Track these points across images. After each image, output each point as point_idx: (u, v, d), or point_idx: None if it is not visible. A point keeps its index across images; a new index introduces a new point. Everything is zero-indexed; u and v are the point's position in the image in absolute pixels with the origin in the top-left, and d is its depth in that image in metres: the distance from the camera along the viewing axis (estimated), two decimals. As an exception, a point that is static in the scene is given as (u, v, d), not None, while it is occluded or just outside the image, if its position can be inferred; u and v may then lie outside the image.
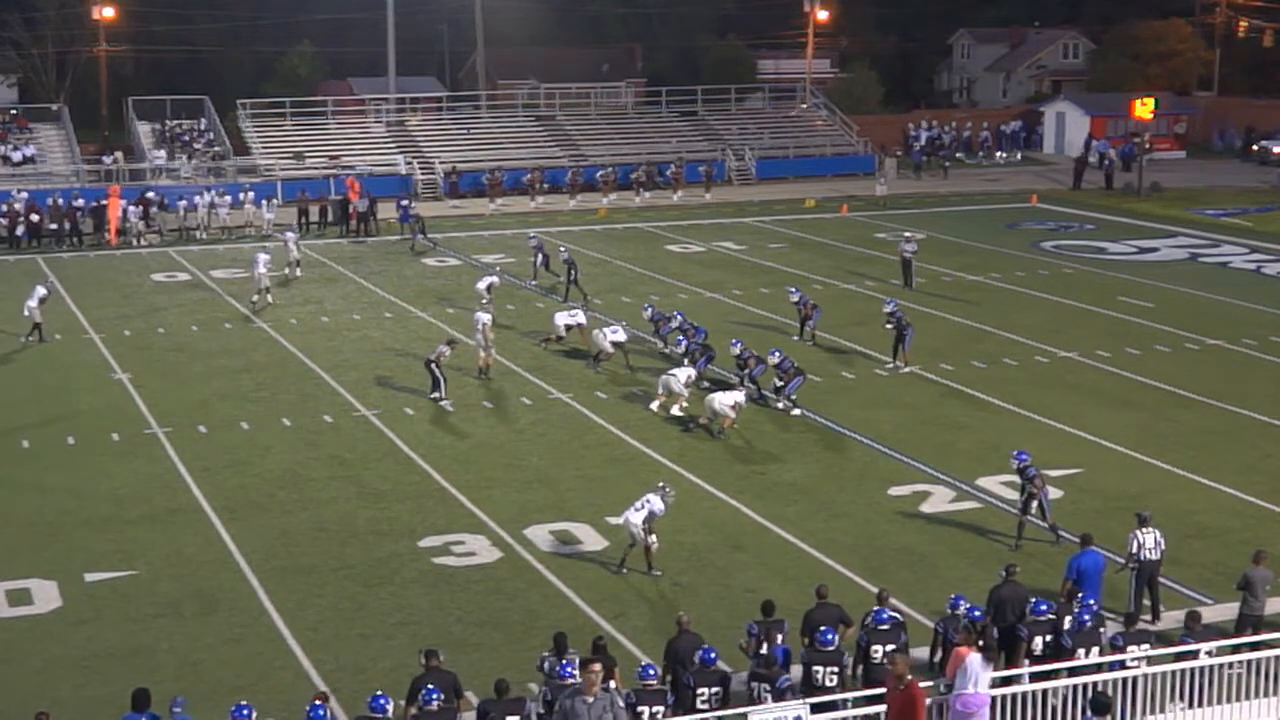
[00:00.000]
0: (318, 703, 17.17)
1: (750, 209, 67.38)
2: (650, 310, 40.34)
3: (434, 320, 44.43)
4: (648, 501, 25.25)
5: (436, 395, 35.32)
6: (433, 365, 35.46)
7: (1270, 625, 20.80)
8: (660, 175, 72.09)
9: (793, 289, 42.65)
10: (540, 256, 49.26)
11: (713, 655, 18.38)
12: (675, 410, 34.11)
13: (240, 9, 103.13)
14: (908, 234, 50.78)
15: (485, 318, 38.11)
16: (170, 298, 48.49)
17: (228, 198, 61.71)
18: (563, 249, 48.84)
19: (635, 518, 25.10)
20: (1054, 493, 27.76)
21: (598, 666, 16.83)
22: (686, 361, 36.33)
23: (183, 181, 68.24)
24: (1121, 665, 18.14)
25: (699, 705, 17.86)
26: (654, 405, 34.74)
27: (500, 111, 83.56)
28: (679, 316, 39.19)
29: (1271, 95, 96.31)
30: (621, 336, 38.46)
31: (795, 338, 40.86)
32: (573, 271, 46.17)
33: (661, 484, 26.33)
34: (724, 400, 32.71)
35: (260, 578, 25.13)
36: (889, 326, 38.51)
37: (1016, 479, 26.65)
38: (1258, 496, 28.69)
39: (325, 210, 62.78)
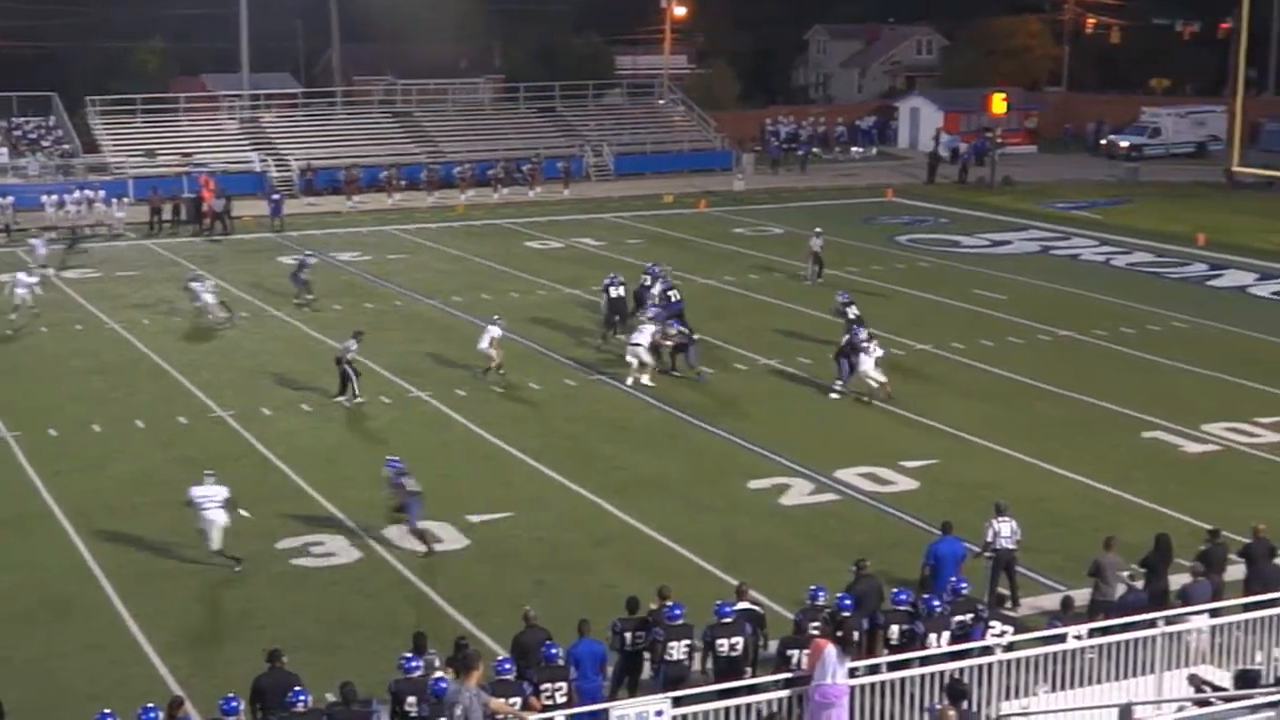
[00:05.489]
0: (150, 705, 16.84)
1: (609, 205, 67.43)
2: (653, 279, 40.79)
3: (289, 319, 43.95)
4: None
5: (348, 395, 34.80)
6: (344, 363, 34.88)
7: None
8: (518, 171, 71.84)
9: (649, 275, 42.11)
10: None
11: (555, 651, 18.37)
12: (646, 380, 35.70)
13: (90, 4, 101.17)
14: (818, 229, 50.32)
15: (496, 331, 36.76)
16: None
17: (76, 194, 60.60)
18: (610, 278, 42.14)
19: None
20: (910, 484, 28.29)
21: (479, 670, 16.98)
22: (645, 322, 37.08)
23: (30, 180, 66.91)
24: (977, 652, 18.38)
25: (544, 701, 17.85)
26: (629, 382, 35.79)
27: (356, 108, 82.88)
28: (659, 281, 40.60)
29: (1119, 90, 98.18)
30: (497, 332, 37.52)
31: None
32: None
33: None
34: (640, 341, 35.81)
35: (114, 583, 24.69)
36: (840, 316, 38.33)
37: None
38: (1108, 484, 29.20)
39: (178, 209, 61.86)
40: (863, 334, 35.38)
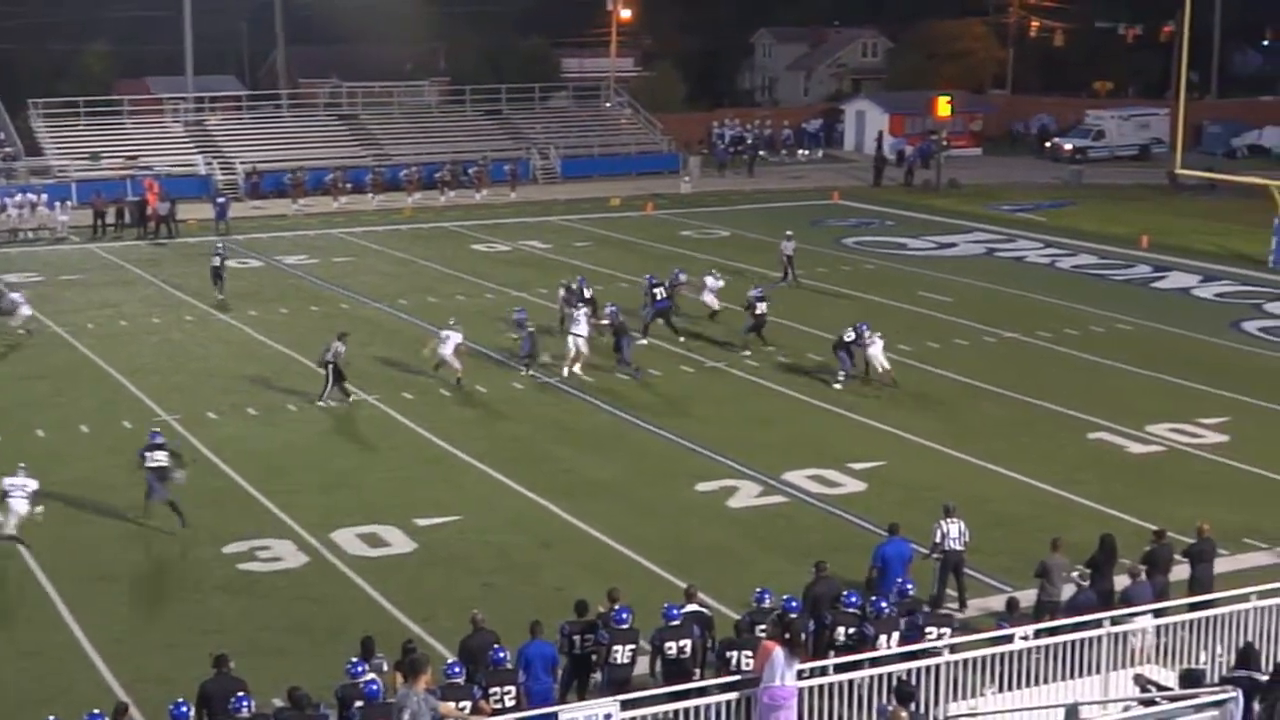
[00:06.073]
0: (96, 712, 16.76)
1: (556, 208, 67.36)
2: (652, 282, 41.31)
3: (235, 322, 43.72)
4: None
5: (329, 394, 34.73)
6: (329, 366, 34.68)
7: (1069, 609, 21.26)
8: (464, 174, 71.64)
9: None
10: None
11: (503, 655, 18.34)
12: (578, 369, 36.57)
13: (33, 5, 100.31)
14: (789, 233, 50.37)
15: (457, 337, 36.55)
16: (-39, 303, 47.03)
17: (18, 197, 60.19)
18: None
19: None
20: (857, 485, 28.35)
21: (427, 674, 16.88)
22: (583, 317, 37.40)
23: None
24: (925, 653, 18.43)
25: (494, 704, 17.81)
26: (564, 371, 36.70)
27: (302, 110, 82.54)
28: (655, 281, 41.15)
29: (1063, 93, 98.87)
30: (459, 338, 37.33)
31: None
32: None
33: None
34: (579, 331, 36.64)
35: (59, 588, 24.50)
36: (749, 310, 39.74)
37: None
38: (1054, 485, 29.38)
39: (122, 212, 61.45)
40: (865, 330, 36.32)
